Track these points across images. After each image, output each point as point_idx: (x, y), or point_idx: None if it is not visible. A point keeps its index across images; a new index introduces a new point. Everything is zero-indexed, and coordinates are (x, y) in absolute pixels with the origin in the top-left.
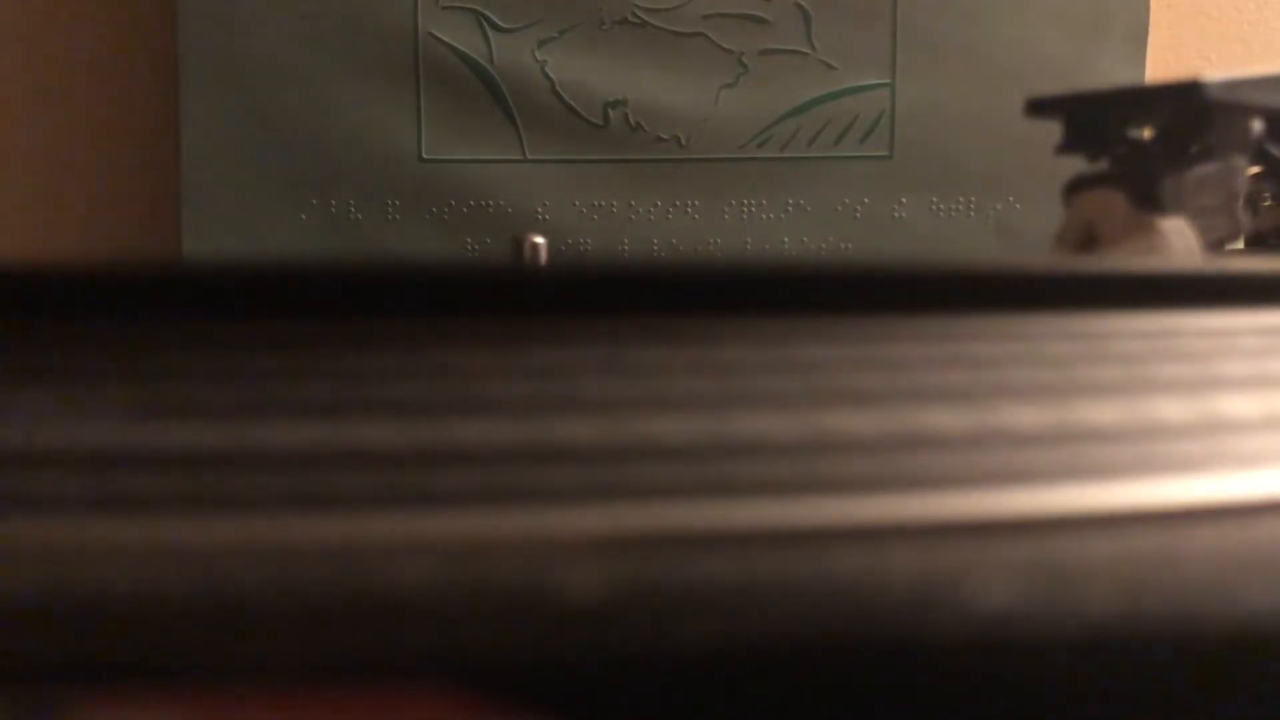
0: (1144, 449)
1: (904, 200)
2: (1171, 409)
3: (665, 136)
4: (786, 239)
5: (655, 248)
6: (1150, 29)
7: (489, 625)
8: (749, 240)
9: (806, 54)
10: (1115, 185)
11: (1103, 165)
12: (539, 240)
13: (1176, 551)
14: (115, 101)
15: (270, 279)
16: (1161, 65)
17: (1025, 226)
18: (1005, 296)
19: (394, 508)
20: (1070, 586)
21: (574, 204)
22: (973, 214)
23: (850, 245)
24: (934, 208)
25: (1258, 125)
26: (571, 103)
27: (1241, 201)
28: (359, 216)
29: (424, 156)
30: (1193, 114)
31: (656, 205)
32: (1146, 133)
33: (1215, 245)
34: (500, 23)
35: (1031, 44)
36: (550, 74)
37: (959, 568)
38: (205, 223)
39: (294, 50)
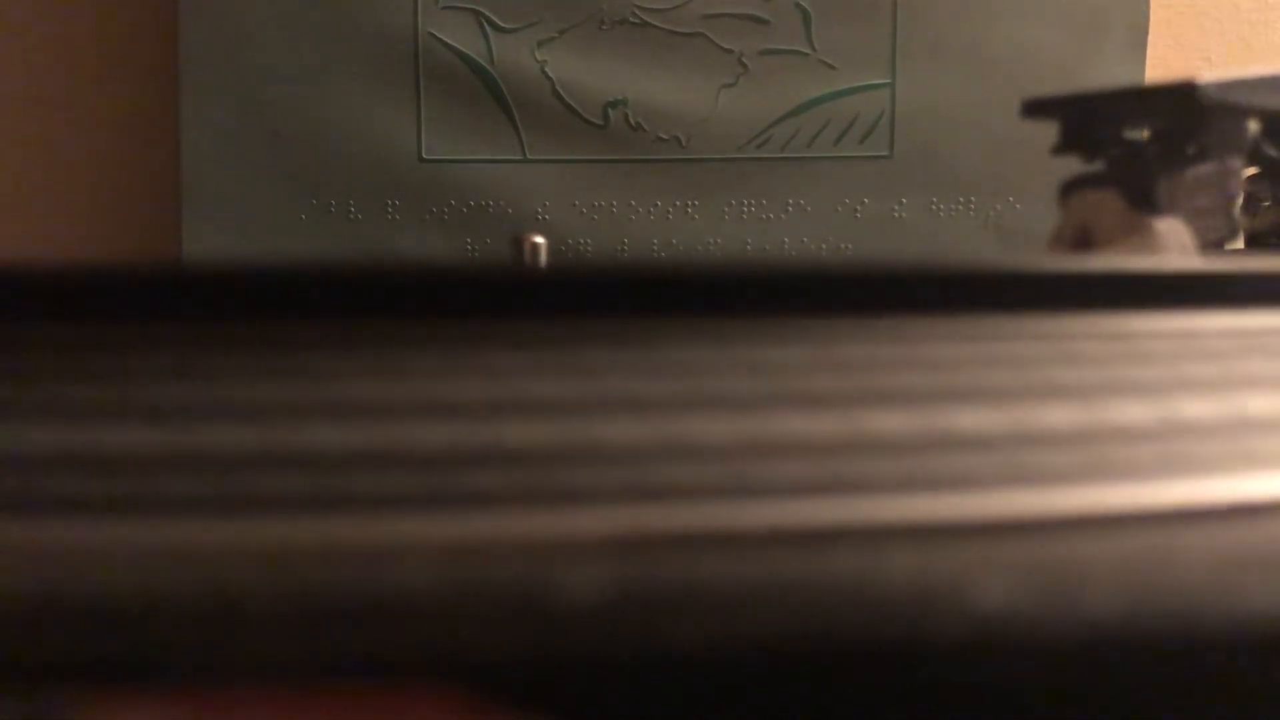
0: (1144, 449)
1: (904, 200)
2: (1171, 409)
3: (665, 136)
4: (786, 239)
5: (655, 248)
6: (1150, 29)
7: (489, 625)
8: (749, 240)
9: (806, 54)
10: (1111, 186)
11: (1099, 166)
12: (539, 240)
13: (1176, 551)
14: (115, 102)
15: (270, 279)
16: (1161, 65)
17: (1025, 226)
18: (1002, 297)
19: (394, 508)
20: (1070, 586)
21: (574, 204)
22: (973, 214)
23: (850, 245)
24: (934, 208)
25: (1254, 126)
26: (571, 103)
27: (1238, 202)
28: (359, 216)
29: (424, 156)
30: (1189, 115)
31: (656, 205)
32: (1143, 133)
33: (1211, 246)
34: (500, 23)
35: (1031, 44)
36: (550, 74)
37: (959, 568)
38: (205, 223)
39: (294, 51)
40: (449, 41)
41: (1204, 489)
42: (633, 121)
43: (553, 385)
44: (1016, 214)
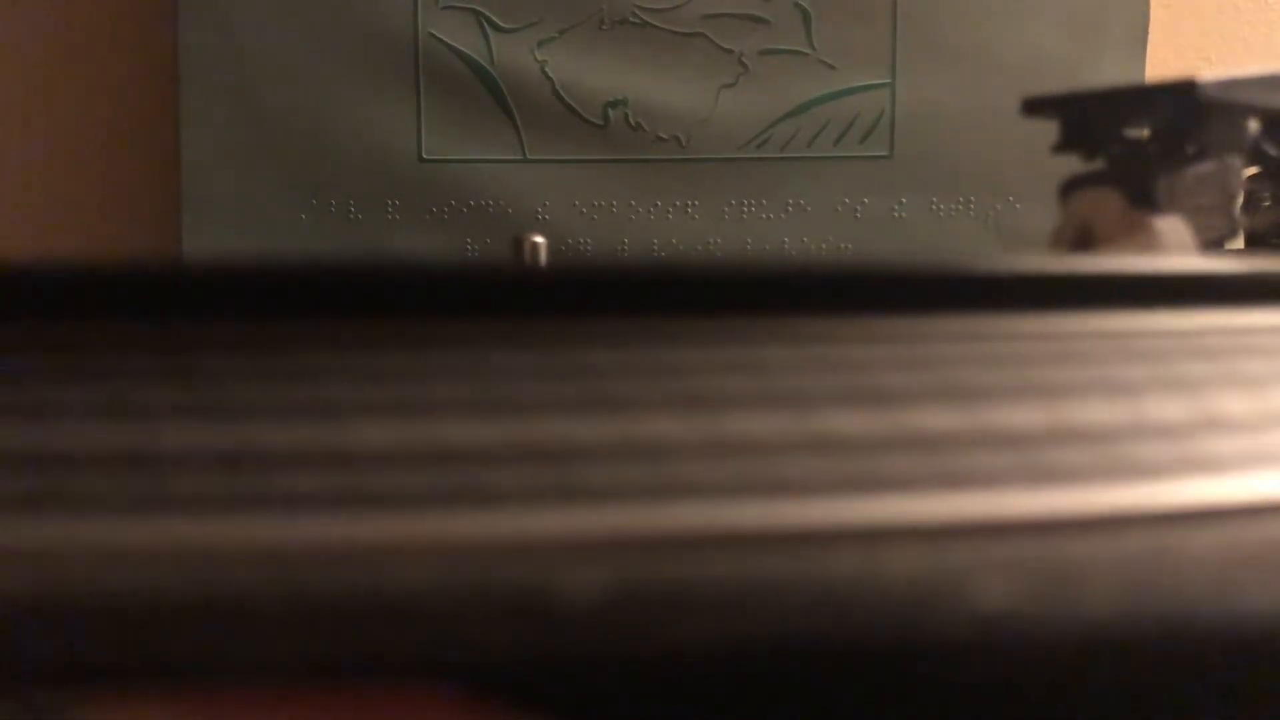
0: (1144, 449)
1: (904, 200)
2: (1171, 409)
3: (665, 136)
4: (786, 239)
5: (655, 248)
6: (1150, 29)
7: (489, 625)
8: (749, 240)
9: (806, 54)
10: (1111, 184)
11: (1099, 164)
12: (539, 240)
13: (1176, 551)
14: (115, 102)
15: (270, 279)
16: (1161, 65)
17: (1025, 226)
18: (1002, 296)
19: (394, 508)
20: (1070, 586)
21: (574, 204)
22: (973, 214)
23: (850, 245)
24: (934, 208)
25: (1254, 125)
26: (571, 103)
27: (1239, 201)
28: (359, 216)
29: (424, 157)
30: (1189, 113)
31: (656, 205)
32: (1143, 132)
33: (1212, 244)
34: (500, 23)
35: (1031, 44)
36: (550, 74)
37: (959, 568)
38: (205, 223)
39: (294, 50)
40: (449, 41)
41: (1204, 489)
42: (633, 121)
43: (552, 385)
44: (1016, 214)
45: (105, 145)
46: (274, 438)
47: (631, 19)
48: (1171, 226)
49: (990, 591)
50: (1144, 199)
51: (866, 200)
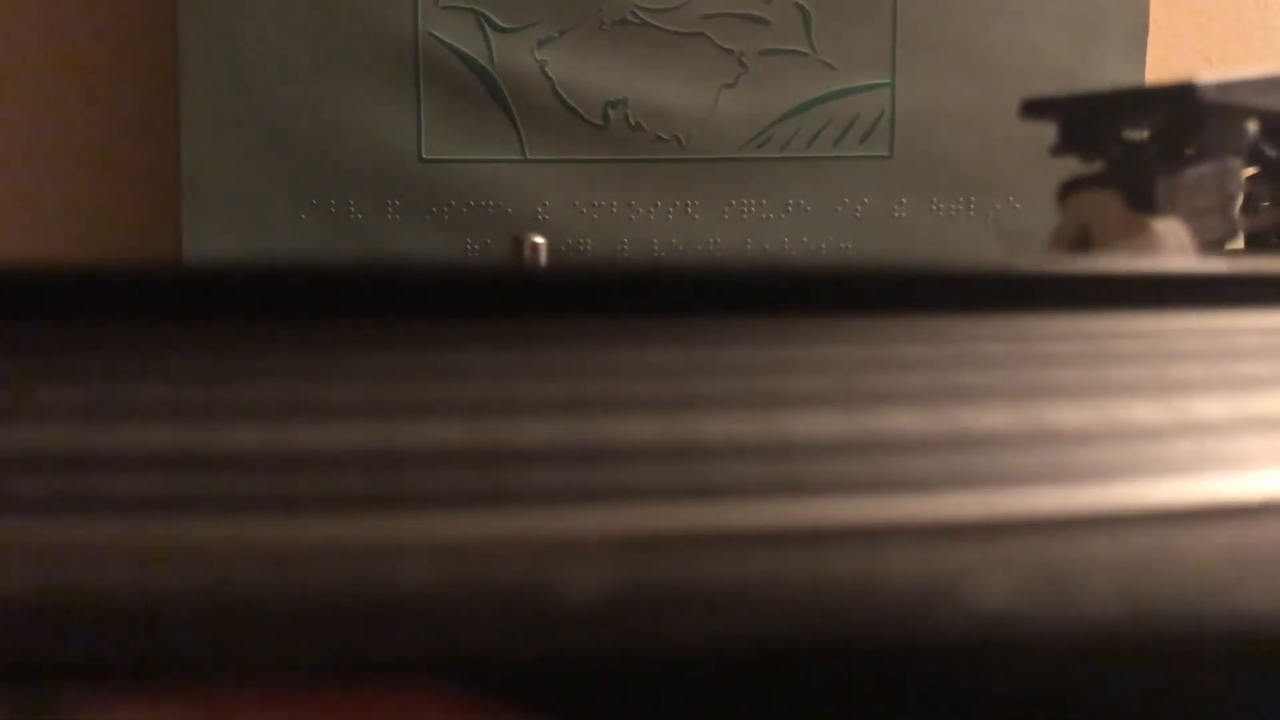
0: (1144, 449)
1: (904, 200)
2: (1168, 410)
3: (665, 136)
4: (786, 239)
5: (655, 248)
6: (1150, 29)
7: (489, 625)
8: (749, 240)
9: (806, 54)
10: (1110, 186)
11: (1098, 166)
12: (539, 240)
13: (1176, 551)
14: (115, 101)
15: (270, 279)
16: (1161, 65)
17: (1025, 226)
18: (999, 297)
19: (394, 508)
20: (1070, 586)
21: (574, 204)
22: (973, 214)
23: (850, 245)
24: (934, 208)
25: (1253, 126)
26: (571, 103)
27: (1238, 202)
28: (359, 216)
29: (424, 156)
30: (1188, 115)
31: (656, 205)
32: (1142, 134)
33: (1211, 246)
34: (500, 23)
35: (1031, 44)
36: (550, 74)
37: (959, 568)
38: (205, 223)
39: (294, 50)
40: (449, 41)
41: (1204, 489)
42: (633, 121)
43: (552, 385)
44: (1016, 214)
45: (105, 145)
46: (274, 438)
47: (631, 19)
48: (1170, 228)
49: (990, 591)
50: (1143, 201)
51: (866, 200)
